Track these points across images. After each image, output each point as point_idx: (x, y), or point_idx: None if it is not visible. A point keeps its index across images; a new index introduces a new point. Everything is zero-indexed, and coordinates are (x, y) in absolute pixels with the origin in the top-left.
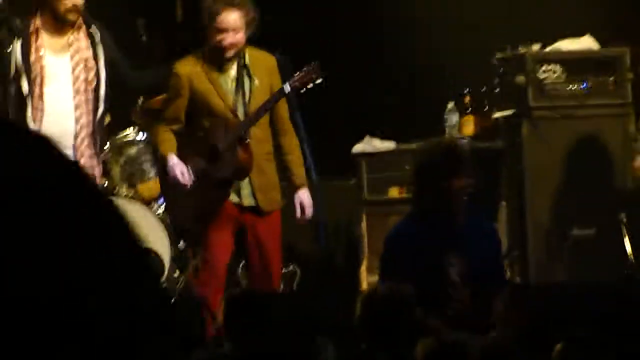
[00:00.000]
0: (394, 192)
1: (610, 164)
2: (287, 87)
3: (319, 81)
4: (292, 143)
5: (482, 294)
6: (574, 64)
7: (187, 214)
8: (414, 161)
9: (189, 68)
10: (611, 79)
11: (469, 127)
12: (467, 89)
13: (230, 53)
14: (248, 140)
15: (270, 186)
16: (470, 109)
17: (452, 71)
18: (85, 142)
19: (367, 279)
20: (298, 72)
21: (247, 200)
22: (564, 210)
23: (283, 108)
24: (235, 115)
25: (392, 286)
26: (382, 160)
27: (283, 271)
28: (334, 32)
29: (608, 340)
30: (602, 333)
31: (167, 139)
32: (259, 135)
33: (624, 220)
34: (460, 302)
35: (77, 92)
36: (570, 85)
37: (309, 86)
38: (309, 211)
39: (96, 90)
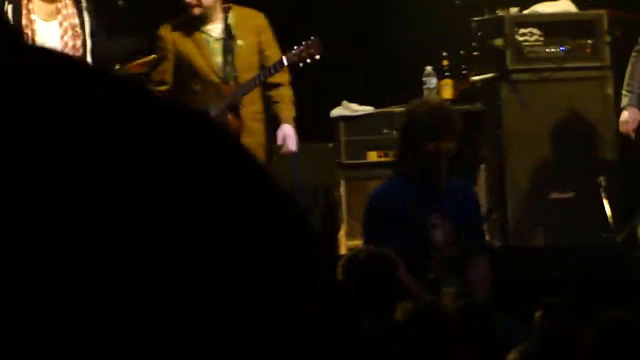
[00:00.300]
0: (372, 156)
1: (588, 127)
2: (285, 61)
3: (317, 57)
4: (283, 94)
5: (463, 256)
6: (552, 27)
7: None
8: (401, 121)
9: (172, 30)
10: (589, 41)
11: (448, 90)
12: (446, 53)
13: (196, 11)
14: (240, 106)
15: (259, 146)
16: (448, 72)
17: (430, 35)
18: None
19: (345, 244)
20: (297, 47)
21: None
22: (543, 174)
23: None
24: (221, 79)
25: (373, 249)
26: (361, 124)
27: None
28: None
29: (587, 305)
30: (581, 298)
31: None
32: (248, 96)
33: (603, 184)
34: (441, 267)
35: None
36: (549, 48)
37: (307, 61)
38: (291, 142)
39: (82, 57)
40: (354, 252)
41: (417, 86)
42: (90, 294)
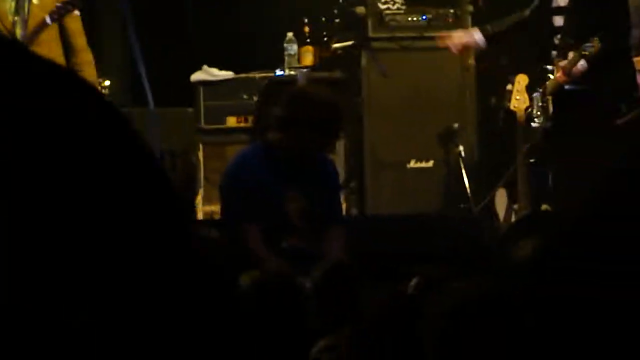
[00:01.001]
0: (231, 121)
1: (449, 96)
2: (48, 19)
3: (77, 12)
4: (81, 61)
5: (318, 227)
6: None
7: None
8: (259, 93)
9: None
10: (451, 11)
11: (308, 57)
12: (307, 19)
13: None
14: None
15: None
16: (309, 39)
17: (291, 0)
18: None
19: (202, 209)
20: (58, 3)
21: None
22: (402, 142)
23: (74, 26)
24: (13, 36)
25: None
26: (220, 89)
27: None
28: None
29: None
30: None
31: None
32: (39, 53)
33: (462, 154)
34: (297, 237)
35: None
36: (410, 17)
37: (67, 16)
38: None
39: None
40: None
41: (278, 52)
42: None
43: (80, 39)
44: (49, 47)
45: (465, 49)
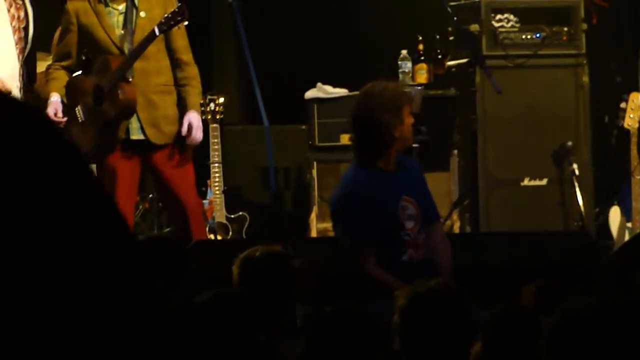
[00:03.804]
0: (345, 139)
1: (562, 114)
2: (157, 30)
3: (185, 23)
4: (188, 75)
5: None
6: (528, 13)
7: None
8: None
9: (78, 3)
10: (565, 29)
11: (423, 75)
12: (421, 37)
13: None
14: (130, 79)
15: (164, 119)
16: (423, 56)
17: (405, 18)
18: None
19: (316, 226)
20: (166, 15)
21: (136, 135)
22: (516, 160)
23: (180, 43)
24: (121, 51)
25: (266, 248)
26: (334, 107)
27: (232, 216)
28: None
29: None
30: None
31: (54, 78)
32: (147, 68)
33: (576, 172)
34: (416, 247)
35: (14, 31)
36: (524, 35)
37: (177, 27)
38: (195, 132)
39: (25, 29)
40: (251, 251)
41: (392, 70)
42: None
43: (186, 55)
44: (157, 60)
45: None
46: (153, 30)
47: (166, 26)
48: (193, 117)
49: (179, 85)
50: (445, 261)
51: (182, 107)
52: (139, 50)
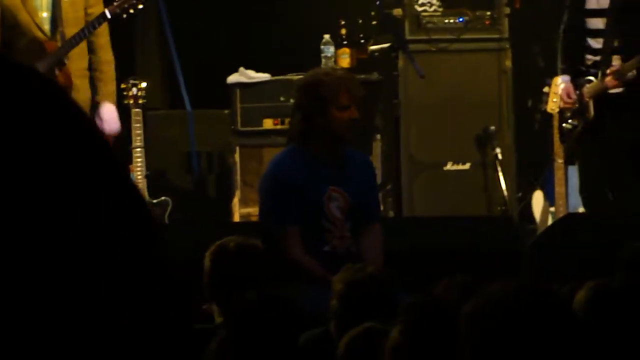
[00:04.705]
0: (268, 123)
1: (485, 99)
2: (107, 13)
3: (140, 7)
4: (101, 60)
5: (359, 227)
6: None
7: None
8: (299, 93)
9: None
10: (488, 13)
11: (345, 59)
12: (344, 21)
13: None
14: (65, 62)
15: (84, 104)
16: (346, 41)
17: (328, 2)
18: None
19: (239, 211)
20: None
21: None
22: (439, 145)
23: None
24: (46, 34)
25: (241, 240)
26: (257, 91)
27: (154, 201)
28: None
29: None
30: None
31: None
32: (75, 52)
33: (499, 156)
34: (340, 238)
35: None
36: (447, 19)
37: (130, 11)
38: (107, 125)
39: None
40: (223, 242)
41: (315, 54)
42: None
43: (102, 38)
44: (80, 45)
45: None
46: (104, 13)
47: (120, 9)
48: (102, 109)
49: (92, 69)
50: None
51: (94, 94)
52: (85, 33)
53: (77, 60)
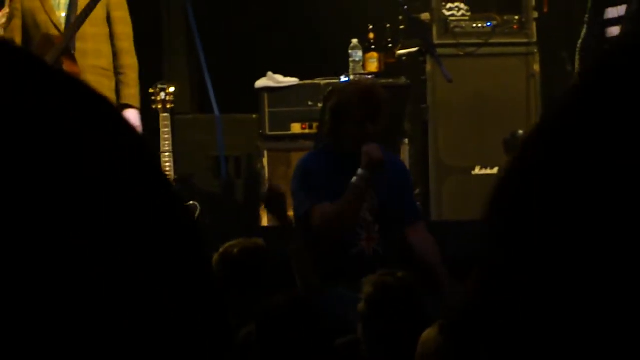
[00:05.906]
0: (296, 128)
1: (513, 103)
2: None
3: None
4: (124, 64)
5: (393, 231)
6: (478, 1)
7: None
8: (329, 101)
9: None
10: (516, 17)
11: (373, 63)
12: (372, 26)
13: None
14: (73, 51)
15: None
16: (374, 45)
17: (356, 7)
18: None
19: (267, 215)
20: None
21: None
22: (467, 149)
23: (120, 30)
24: (60, 32)
25: (245, 242)
26: (285, 96)
27: None
28: None
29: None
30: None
31: None
32: (85, 49)
33: None
34: (368, 240)
35: None
36: (475, 24)
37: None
38: None
39: None
40: (230, 245)
41: (343, 59)
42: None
43: (124, 42)
44: (96, 42)
45: None
46: None
47: None
48: (129, 114)
49: (116, 74)
50: (433, 260)
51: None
52: (83, 17)
53: (92, 58)
